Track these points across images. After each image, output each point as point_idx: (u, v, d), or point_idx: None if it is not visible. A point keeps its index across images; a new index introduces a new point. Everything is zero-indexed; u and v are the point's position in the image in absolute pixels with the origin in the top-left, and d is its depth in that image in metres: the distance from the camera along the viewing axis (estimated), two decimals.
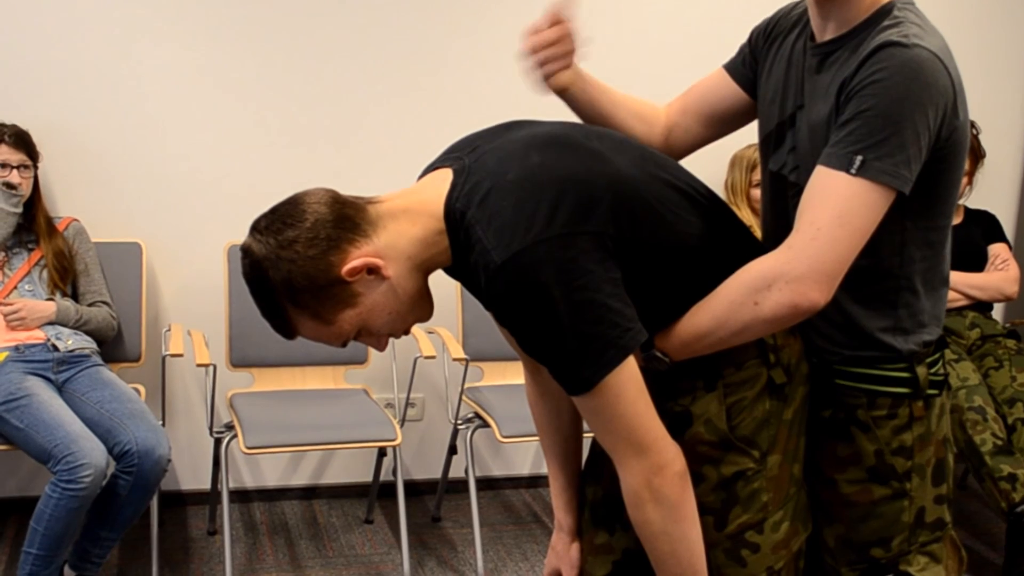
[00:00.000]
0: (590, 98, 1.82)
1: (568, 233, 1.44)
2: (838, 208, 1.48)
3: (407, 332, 1.61)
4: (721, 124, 1.88)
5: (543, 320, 1.43)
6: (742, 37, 1.95)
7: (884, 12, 1.57)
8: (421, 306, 1.58)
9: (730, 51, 1.93)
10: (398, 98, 3.63)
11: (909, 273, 1.63)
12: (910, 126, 1.47)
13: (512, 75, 3.71)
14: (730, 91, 1.85)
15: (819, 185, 1.51)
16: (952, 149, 1.56)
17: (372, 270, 1.49)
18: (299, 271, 1.47)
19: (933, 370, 1.68)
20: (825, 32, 1.63)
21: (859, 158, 1.48)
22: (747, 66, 1.83)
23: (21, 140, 3.09)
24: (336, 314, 1.50)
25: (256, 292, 1.52)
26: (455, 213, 1.50)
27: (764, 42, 1.80)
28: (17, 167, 3.06)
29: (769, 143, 1.75)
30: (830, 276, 1.49)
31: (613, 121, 1.85)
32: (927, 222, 1.62)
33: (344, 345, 1.56)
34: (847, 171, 1.48)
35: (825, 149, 1.53)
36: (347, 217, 1.49)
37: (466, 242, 1.49)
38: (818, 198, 1.50)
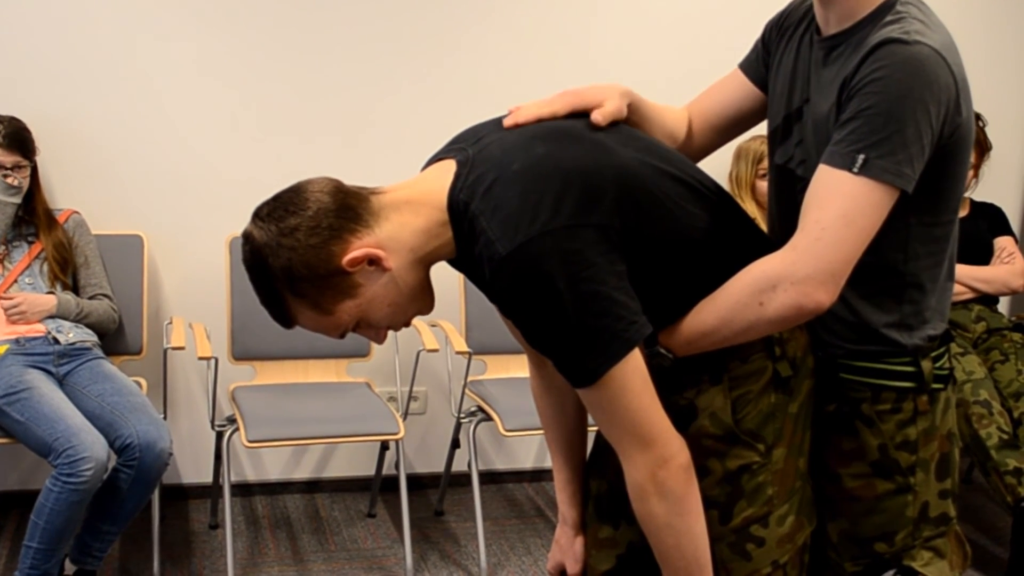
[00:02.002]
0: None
1: (573, 225, 1.43)
2: (842, 207, 1.47)
3: (407, 325, 1.60)
4: (739, 124, 1.86)
5: (548, 312, 1.42)
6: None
7: (887, 7, 1.56)
8: (422, 299, 1.57)
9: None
10: (402, 88, 3.61)
11: (913, 269, 1.62)
12: (912, 124, 1.46)
13: (519, 65, 3.70)
14: (746, 91, 1.83)
15: (822, 184, 1.50)
16: (956, 145, 1.55)
17: (373, 261, 1.49)
18: (300, 259, 1.46)
19: (938, 364, 1.67)
20: (829, 26, 1.62)
21: (861, 156, 1.46)
22: (760, 62, 1.81)
23: (15, 141, 3.04)
24: (335, 304, 1.50)
25: (256, 279, 1.51)
26: (459, 204, 1.49)
27: (776, 35, 1.78)
28: (11, 168, 3.04)
29: (776, 136, 1.74)
30: (835, 276, 1.48)
31: None
32: (932, 218, 1.61)
33: (342, 336, 1.56)
34: (849, 170, 1.47)
35: (828, 147, 1.52)
36: (350, 207, 1.48)
37: (470, 233, 1.48)
38: (821, 197, 1.49)
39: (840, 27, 1.60)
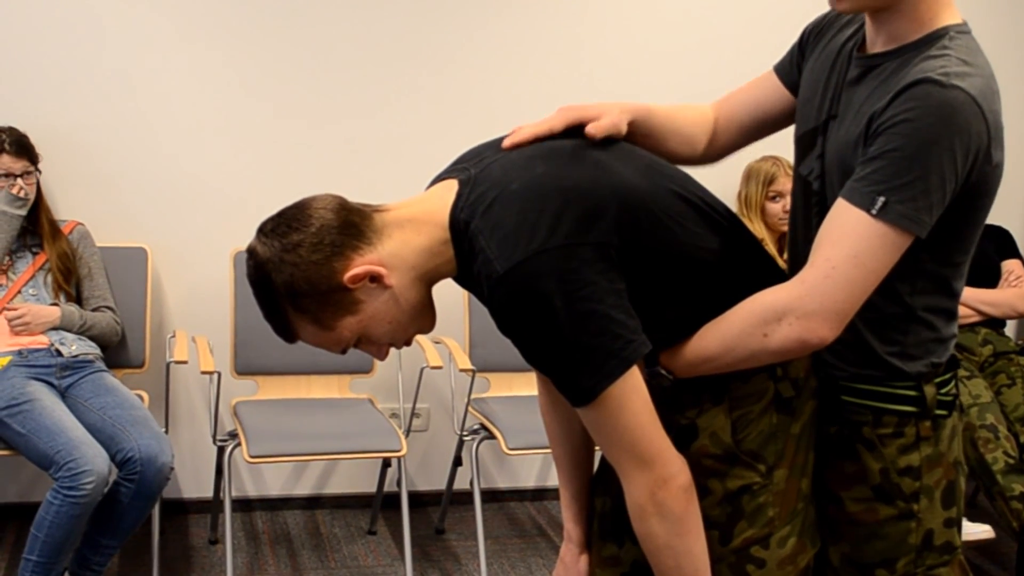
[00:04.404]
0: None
1: (571, 243, 1.43)
2: (855, 248, 1.46)
3: (408, 343, 1.61)
4: (768, 127, 1.83)
5: (545, 330, 1.42)
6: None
7: (935, 38, 1.52)
8: (423, 317, 1.58)
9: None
10: (405, 102, 3.62)
11: (918, 304, 1.61)
12: (936, 171, 1.44)
13: (516, 77, 3.70)
14: (778, 95, 1.80)
15: (838, 220, 1.49)
16: (980, 191, 1.53)
17: (374, 278, 1.49)
18: (302, 275, 1.47)
19: (943, 391, 1.65)
20: (875, 44, 1.59)
21: (881, 199, 1.45)
22: (794, 66, 1.78)
23: (22, 147, 3.07)
24: (336, 320, 1.50)
25: (259, 294, 1.52)
26: (460, 223, 1.50)
27: (813, 40, 1.74)
28: (21, 175, 3.04)
29: (802, 144, 1.71)
30: (841, 315, 1.48)
31: (661, 155, 1.76)
32: (945, 258, 1.59)
33: (344, 352, 1.56)
34: (868, 211, 1.45)
35: (848, 182, 1.50)
36: (353, 224, 1.49)
37: (470, 252, 1.49)
38: (836, 234, 1.48)
39: (885, 47, 1.57)
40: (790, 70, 1.79)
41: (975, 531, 3.32)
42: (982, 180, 1.51)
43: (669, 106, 1.79)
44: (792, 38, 1.81)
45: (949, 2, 1.54)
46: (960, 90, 1.43)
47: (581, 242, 1.43)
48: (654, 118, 1.73)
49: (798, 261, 1.68)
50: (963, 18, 1.56)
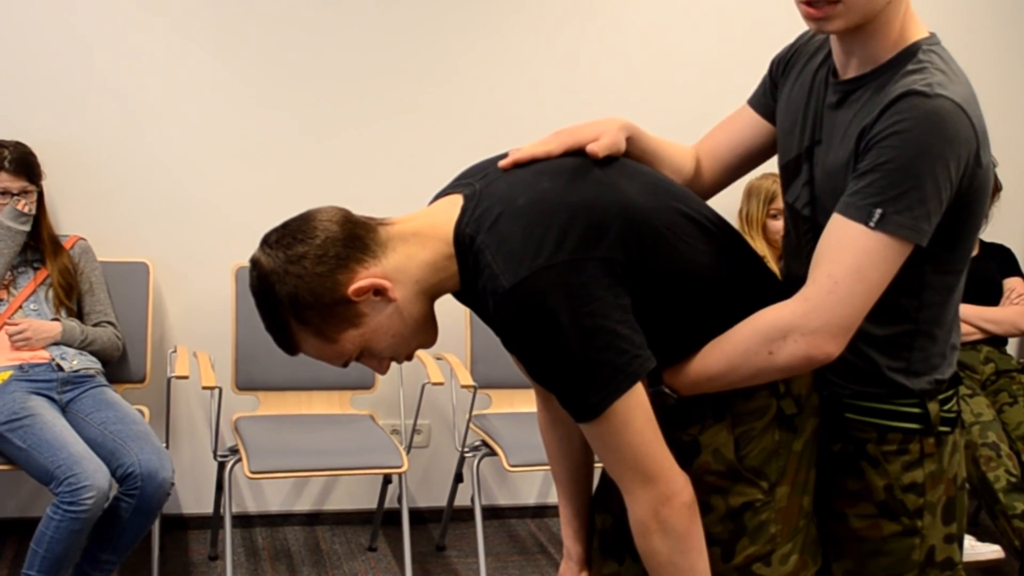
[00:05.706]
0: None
1: (577, 259, 1.43)
2: (856, 262, 1.47)
3: (409, 358, 1.61)
4: (752, 160, 1.85)
5: (551, 346, 1.42)
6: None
7: (909, 54, 1.54)
8: (425, 331, 1.58)
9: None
10: (406, 118, 3.63)
11: (926, 317, 1.61)
12: (931, 179, 1.45)
13: (516, 90, 3.72)
14: (757, 127, 1.81)
15: (836, 236, 1.50)
16: (973, 196, 1.54)
17: (379, 291, 1.49)
18: (306, 287, 1.47)
19: (946, 407, 1.66)
20: (848, 69, 1.60)
21: (878, 211, 1.46)
22: (769, 96, 1.80)
23: (22, 165, 3.05)
24: (339, 333, 1.50)
25: (262, 305, 1.52)
26: (465, 238, 1.50)
27: (783, 70, 1.76)
28: (18, 194, 3.04)
29: (788, 173, 1.73)
30: (845, 329, 1.49)
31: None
32: (947, 266, 1.60)
33: (345, 365, 1.56)
34: (866, 224, 1.46)
35: (843, 197, 1.51)
36: (357, 237, 1.50)
37: (475, 267, 1.49)
38: (835, 249, 1.49)
39: (860, 71, 1.58)
40: (765, 101, 1.81)
41: (985, 551, 3.31)
42: (975, 184, 1.53)
43: (657, 136, 1.80)
44: None
45: (915, 18, 1.57)
46: (945, 98, 1.46)
47: (588, 257, 1.44)
48: (648, 141, 1.74)
49: (792, 282, 1.68)
50: (929, 31, 1.58)
